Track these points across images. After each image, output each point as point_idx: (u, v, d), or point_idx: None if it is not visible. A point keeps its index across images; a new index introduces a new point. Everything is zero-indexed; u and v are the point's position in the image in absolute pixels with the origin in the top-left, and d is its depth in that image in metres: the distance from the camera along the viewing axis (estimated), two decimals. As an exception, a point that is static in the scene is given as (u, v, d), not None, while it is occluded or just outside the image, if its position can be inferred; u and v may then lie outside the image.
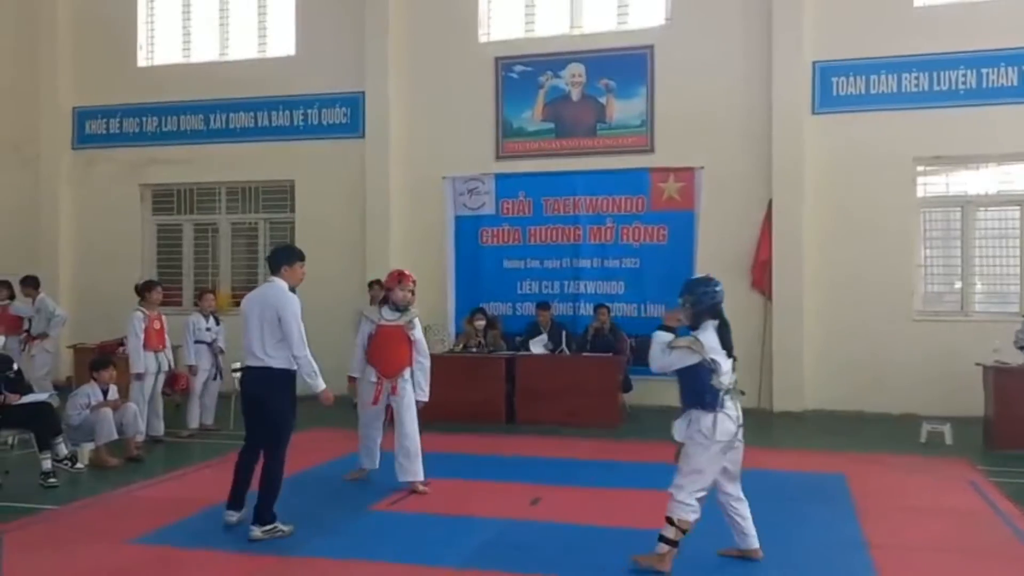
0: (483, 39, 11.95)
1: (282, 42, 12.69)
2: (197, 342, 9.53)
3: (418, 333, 6.90)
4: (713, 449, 4.79)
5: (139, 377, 8.62)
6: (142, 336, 8.63)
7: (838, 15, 10.66)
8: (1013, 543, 5.46)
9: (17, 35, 13.40)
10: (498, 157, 11.80)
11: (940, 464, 7.71)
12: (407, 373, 6.76)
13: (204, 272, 13.13)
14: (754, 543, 4.99)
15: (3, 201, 13.38)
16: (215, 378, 9.67)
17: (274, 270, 5.62)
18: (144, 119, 13.09)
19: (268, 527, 5.39)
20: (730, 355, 4.90)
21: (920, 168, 10.67)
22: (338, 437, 9.08)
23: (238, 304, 12.36)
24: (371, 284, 11.52)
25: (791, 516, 5.72)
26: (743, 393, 5.13)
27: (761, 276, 10.77)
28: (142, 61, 13.25)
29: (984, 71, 10.21)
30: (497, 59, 11.78)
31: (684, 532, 4.80)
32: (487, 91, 11.80)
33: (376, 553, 5.26)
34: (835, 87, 10.70)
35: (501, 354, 10.24)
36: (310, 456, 8.08)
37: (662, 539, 4.81)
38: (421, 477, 6.62)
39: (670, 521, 4.79)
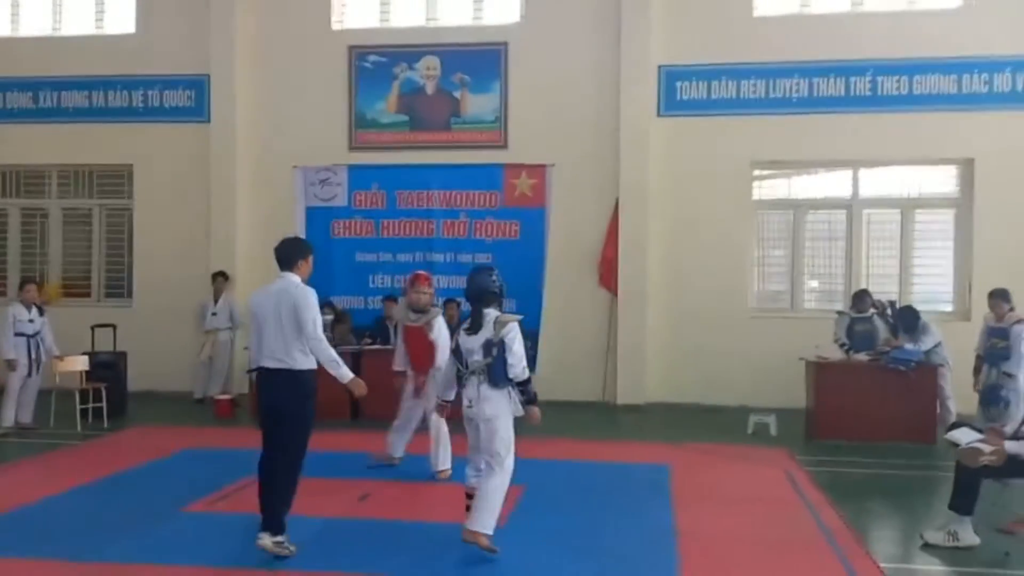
0: (336, 27, 11.67)
1: (121, 19, 11.99)
2: (17, 335, 8.97)
3: (435, 335, 7.01)
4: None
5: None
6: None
7: (683, 21, 10.95)
8: (813, 532, 5.69)
9: None
10: (351, 148, 11.57)
11: (762, 454, 8.07)
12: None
13: (32, 260, 12.29)
14: (470, 524, 4.99)
15: None
16: (30, 374, 9.03)
17: (287, 264, 5.21)
18: (-34, 95, 12.12)
19: (279, 538, 5.01)
20: (490, 348, 4.98)
21: (756, 172, 11.14)
22: (163, 435, 8.72)
23: (68, 295, 12.00)
24: (215, 276, 11.11)
25: (608, 507, 5.82)
26: (513, 384, 5.03)
27: (608, 273, 11.00)
28: (-36, 32, 12.24)
29: (815, 80, 10.73)
30: (351, 48, 11.53)
31: (467, 495, 5.20)
32: (340, 80, 11.54)
33: (177, 557, 5.04)
34: (679, 91, 11.01)
35: (346, 348, 10.02)
36: (130, 457, 7.72)
37: None
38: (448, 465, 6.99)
39: None
